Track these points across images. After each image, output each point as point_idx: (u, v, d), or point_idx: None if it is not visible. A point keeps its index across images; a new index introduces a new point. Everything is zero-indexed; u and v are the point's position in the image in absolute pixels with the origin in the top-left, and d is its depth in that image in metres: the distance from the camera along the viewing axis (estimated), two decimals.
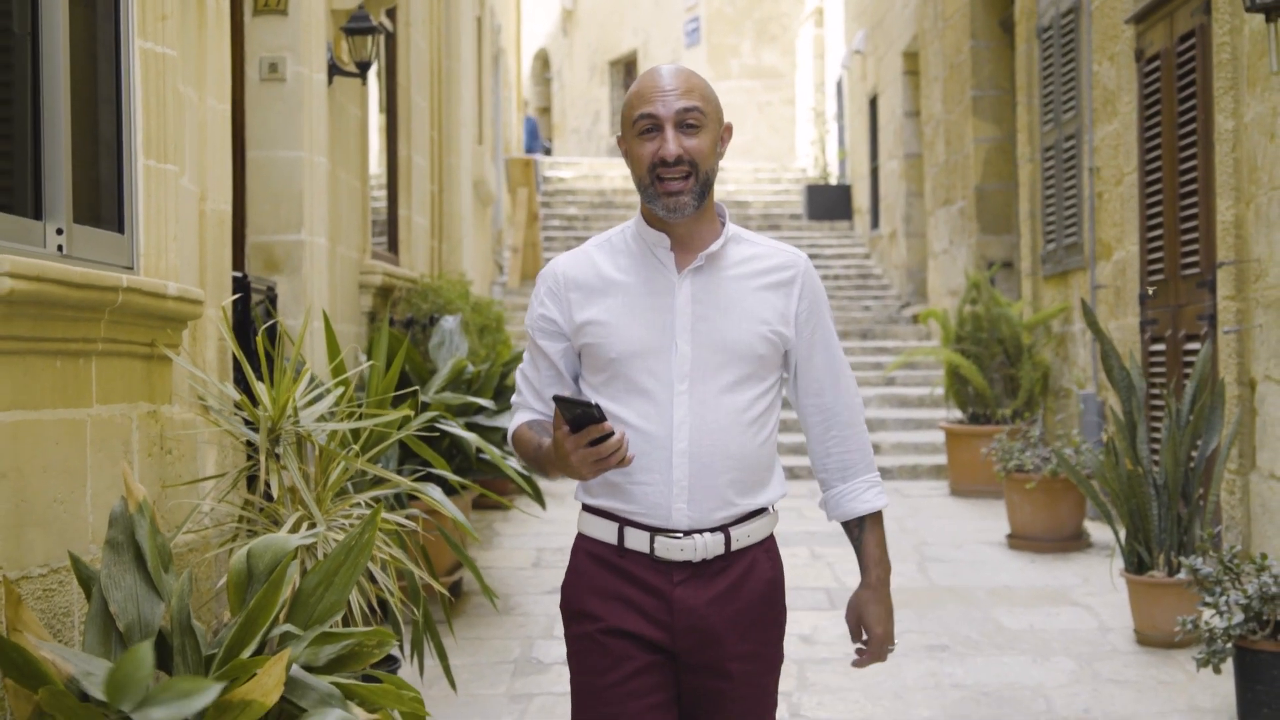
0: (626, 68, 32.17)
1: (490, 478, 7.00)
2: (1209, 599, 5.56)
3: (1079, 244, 9.75)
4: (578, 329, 2.95)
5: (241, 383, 5.21)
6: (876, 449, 11.53)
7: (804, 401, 3.08)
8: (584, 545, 3.02)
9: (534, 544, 8.58)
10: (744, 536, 2.95)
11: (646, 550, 2.91)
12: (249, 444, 5.38)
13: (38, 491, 3.76)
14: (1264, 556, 5.59)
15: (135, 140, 4.54)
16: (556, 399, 2.66)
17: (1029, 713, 5.71)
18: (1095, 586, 7.56)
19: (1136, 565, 6.66)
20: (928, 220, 14.79)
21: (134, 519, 3.79)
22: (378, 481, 5.28)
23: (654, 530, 2.91)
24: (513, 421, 3.09)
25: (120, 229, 4.48)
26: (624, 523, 2.93)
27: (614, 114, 32.35)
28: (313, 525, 4.41)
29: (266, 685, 3.29)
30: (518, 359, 8.18)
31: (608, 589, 2.95)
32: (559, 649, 6.48)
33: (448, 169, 10.93)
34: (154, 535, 3.80)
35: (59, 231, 4.05)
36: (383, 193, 9.24)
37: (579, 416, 2.66)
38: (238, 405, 4.68)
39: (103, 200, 4.45)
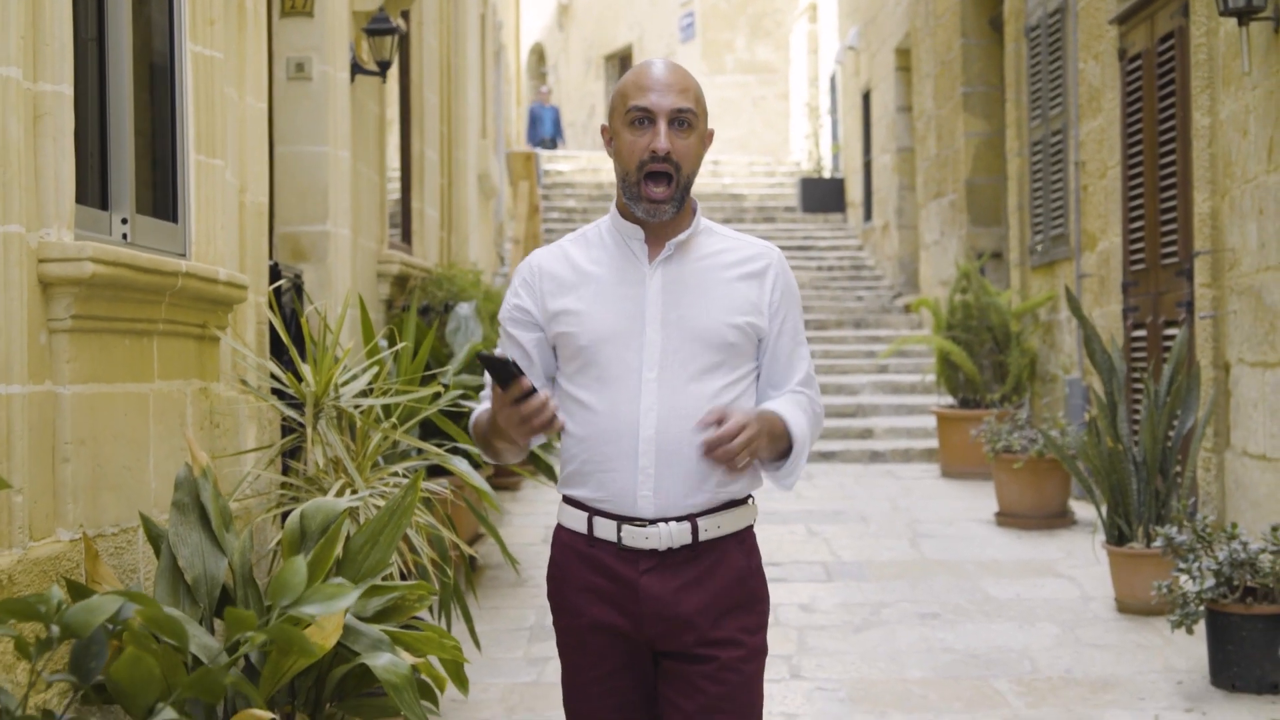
0: (622, 62, 32.50)
1: None
2: (1183, 565, 5.96)
3: (1065, 235, 10.13)
4: (551, 318, 2.96)
5: (282, 363, 5.57)
6: (869, 434, 11.92)
7: (762, 392, 3.04)
8: (560, 536, 3.04)
9: (544, 521, 8.95)
10: (713, 527, 2.93)
11: (614, 539, 2.91)
12: (284, 419, 5.77)
13: (110, 458, 4.12)
14: (1234, 526, 5.98)
15: (187, 137, 4.90)
16: (479, 356, 2.68)
17: (1015, 672, 6.10)
18: (1078, 559, 7.95)
19: (1117, 537, 7.05)
20: (919, 213, 15.16)
21: (198, 482, 4.17)
22: (405, 455, 5.66)
23: (620, 519, 2.90)
24: (475, 411, 3.10)
25: (174, 219, 4.84)
26: (593, 512, 2.94)
27: None
28: (354, 492, 4.79)
29: (327, 629, 3.67)
30: None
31: (581, 580, 2.96)
32: None
33: (456, 163, 11.31)
34: (216, 497, 4.18)
35: (124, 221, 4.42)
36: (397, 185, 9.60)
37: (498, 373, 2.65)
38: (281, 383, 5.05)
39: (158, 192, 4.82)
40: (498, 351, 2.85)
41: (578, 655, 3.00)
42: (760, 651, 3.00)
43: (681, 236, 2.94)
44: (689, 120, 2.89)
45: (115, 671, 2.59)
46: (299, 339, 6.06)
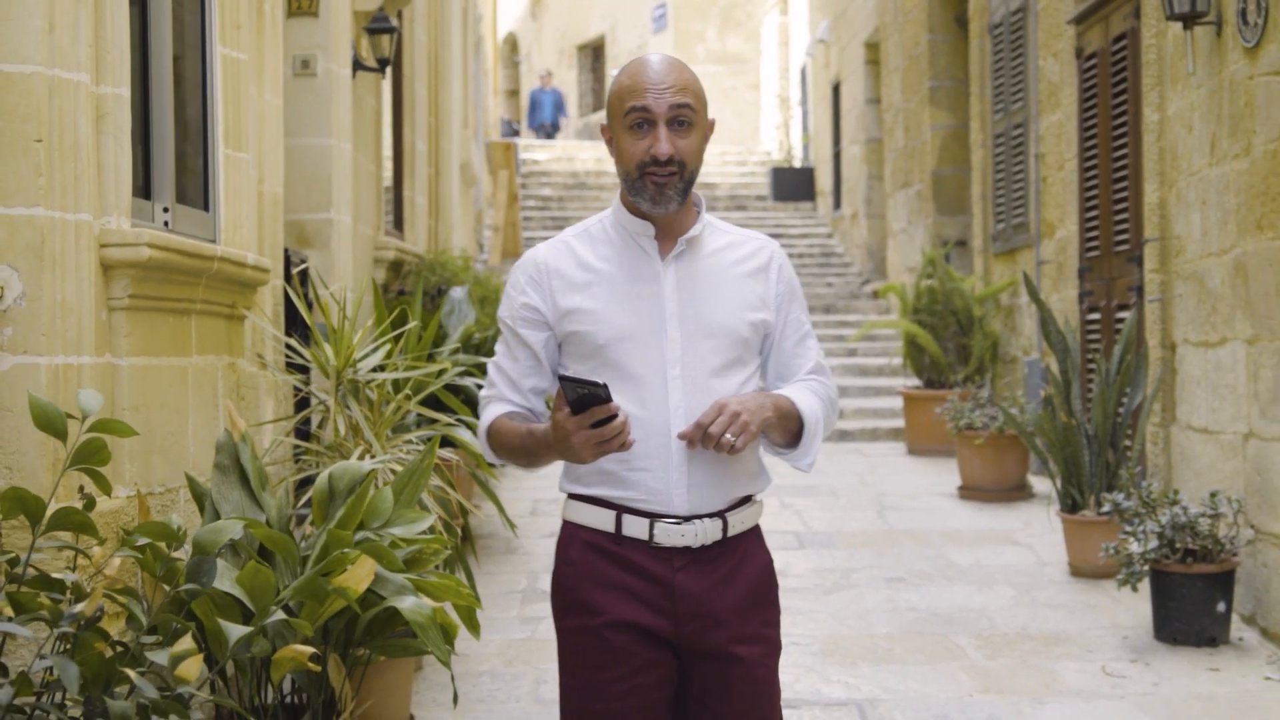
0: (594, 52, 32.92)
1: None
2: (1129, 529, 6.46)
3: (1026, 224, 10.63)
4: (562, 316, 2.91)
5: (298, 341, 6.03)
6: (840, 414, 12.40)
7: (770, 385, 3.08)
8: (577, 534, 2.96)
9: (530, 495, 9.42)
10: (739, 523, 2.94)
11: (645, 537, 2.87)
12: (298, 393, 6.23)
13: (157, 424, 4.57)
14: (1176, 492, 6.49)
15: (217, 132, 5.34)
16: (562, 378, 2.61)
17: (974, 629, 6.59)
18: (1035, 529, 8.46)
19: (1070, 506, 7.56)
20: (887, 202, 15.66)
21: (238, 446, 4.62)
22: (410, 426, 6.12)
23: (653, 516, 2.87)
24: (484, 415, 3.02)
25: (206, 208, 5.28)
26: (621, 510, 2.89)
27: (582, 97, 33.11)
28: (373, 457, 5.24)
29: (360, 575, 4.12)
30: None
31: (607, 579, 2.89)
32: None
33: (442, 153, 11.75)
34: (254, 459, 4.63)
35: (165, 210, 4.86)
36: (389, 174, 10.04)
37: (584, 397, 2.60)
38: (303, 358, 5.50)
39: (191, 183, 5.25)
40: (577, 373, 2.83)
41: (595, 655, 2.90)
42: (779, 647, 3.02)
43: (693, 232, 2.93)
44: (688, 118, 2.86)
45: (240, 580, 3.03)
46: (305, 322, 6.52)
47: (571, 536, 2.97)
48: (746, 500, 2.99)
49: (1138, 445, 7.48)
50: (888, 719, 5.45)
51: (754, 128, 26.68)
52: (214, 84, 5.33)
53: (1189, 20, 6.83)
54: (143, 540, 2.68)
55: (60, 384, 3.90)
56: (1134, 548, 6.37)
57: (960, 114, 13.17)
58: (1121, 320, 8.32)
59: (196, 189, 5.28)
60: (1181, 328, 7.37)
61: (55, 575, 2.43)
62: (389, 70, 9.66)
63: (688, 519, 2.87)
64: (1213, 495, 6.35)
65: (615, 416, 2.62)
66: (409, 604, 4.30)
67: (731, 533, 2.93)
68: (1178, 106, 7.35)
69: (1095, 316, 8.95)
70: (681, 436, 2.82)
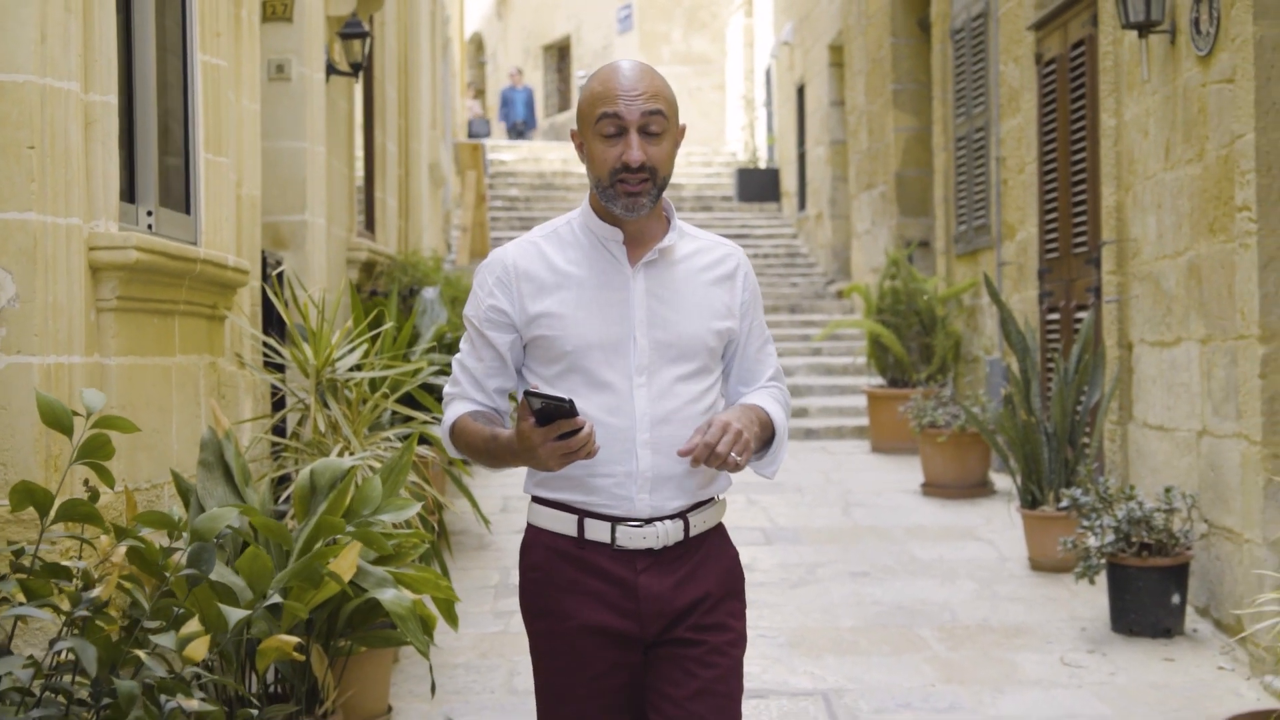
0: (560, 53, 33.03)
1: None
2: (1086, 524, 6.64)
3: (987, 225, 10.83)
4: (530, 320, 2.92)
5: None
6: (804, 413, 12.58)
7: (734, 390, 3.12)
8: (540, 539, 2.99)
9: (500, 493, 9.56)
10: (700, 523, 2.97)
11: (608, 540, 2.90)
12: (274, 392, 6.35)
13: (143, 422, 4.68)
14: (1132, 487, 6.69)
15: (197, 137, 5.46)
16: (528, 394, 2.65)
17: (937, 621, 6.77)
18: (997, 525, 8.65)
19: (1030, 502, 7.75)
20: (851, 203, 15.85)
21: (222, 443, 4.75)
22: (391, 422, 6.25)
23: (615, 520, 2.90)
24: (449, 412, 3.04)
25: (187, 211, 5.40)
26: (584, 514, 2.91)
27: (548, 98, 33.22)
28: (351, 454, 5.37)
29: (344, 566, 4.26)
30: None
31: (569, 582, 2.92)
32: None
33: (412, 154, 11.87)
34: (238, 456, 4.76)
35: (149, 213, 4.97)
36: (360, 176, 10.15)
37: (549, 411, 2.64)
38: (282, 358, 5.63)
39: (173, 187, 5.37)
40: (543, 388, 2.86)
41: (564, 659, 2.94)
42: (743, 638, 3.03)
43: (665, 242, 2.95)
44: (660, 125, 2.87)
45: (240, 565, 3.17)
46: (282, 322, 6.63)
47: (534, 540, 3.00)
48: (708, 501, 3.01)
49: (1096, 442, 7.68)
50: (853, 708, 5.61)
51: (719, 128, 26.86)
52: (194, 90, 5.45)
53: (1144, 29, 7.01)
54: (144, 530, 2.82)
55: (53, 383, 4.02)
56: (1091, 542, 6.55)
57: (923, 117, 13.37)
58: (1080, 320, 8.51)
59: (178, 192, 5.39)
60: (1138, 328, 7.56)
61: (66, 563, 2.56)
62: (360, 73, 9.78)
63: (649, 521, 2.90)
64: (1167, 491, 6.54)
65: (582, 429, 2.65)
66: (389, 596, 4.44)
67: (694, 533, 2.95)
68: (1134, 112, 7.54)
69: (1055, 317, 9.14)
70: (683, 454, 2.80)
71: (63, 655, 2.44)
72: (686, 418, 2.91)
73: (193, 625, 2.60)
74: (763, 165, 21.61)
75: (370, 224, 10.26)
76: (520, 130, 28.49)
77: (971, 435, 9.41)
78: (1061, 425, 7.67)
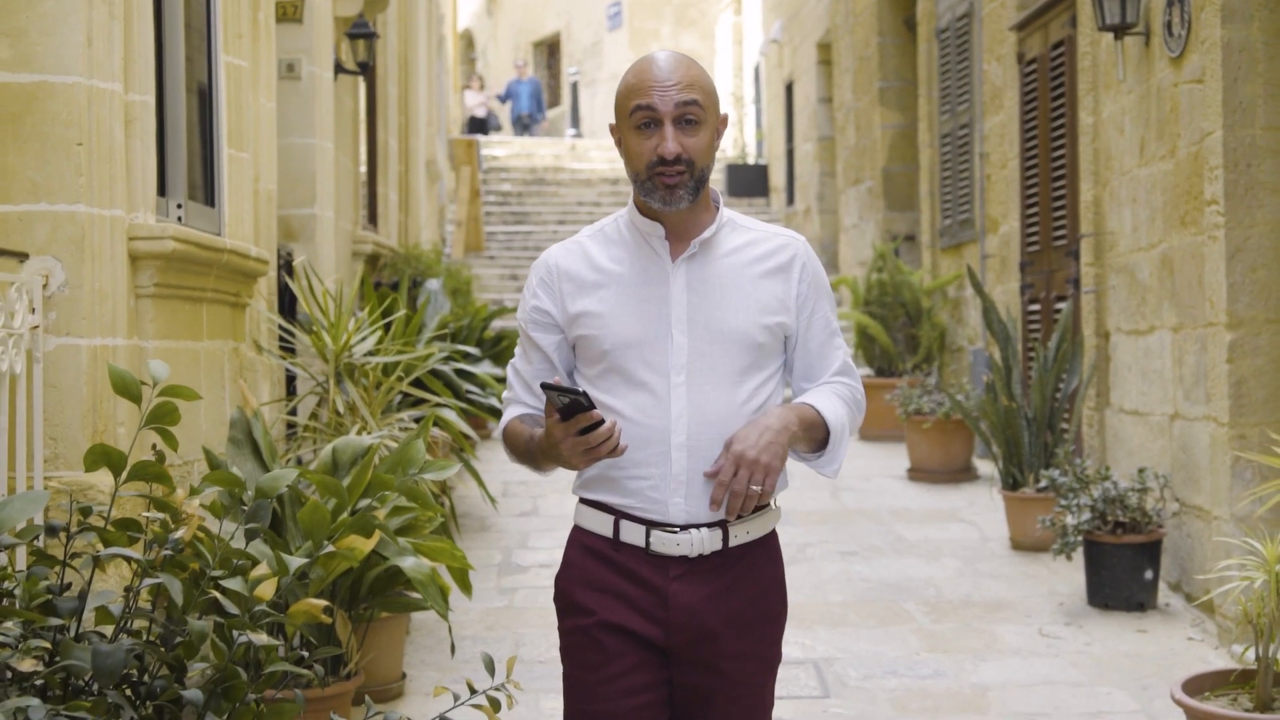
0: (550, 49, 33.35)
1: (472, 414, 8.30)
2: (1064, 503, 6.97)
3: (971, 219, 11.16)
4: (572, 320, 2.87)
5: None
6: None
7: (796, 385, 2.99)
8: (578, 538, 2.94)
9: (500, 478, 9.86)
10: (743, 533, 2.84)
11: (642, 544, 2.82)
12: (288, 377, 6.66)
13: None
14: (1107, 468, 7.02)
15: (221, 134, 5.77)
16: (544, 387, 2.61)
17: (921, 596, 7.09)
18: (979, 508, 8.98)
19: (1011, 484, 8.09)
20: (839, 198, 16.18)
21: (251, 421, 5.06)
22: (399, 405, 6.57)
23: (650, 524, 2.82)
24: (504, 417, 2.99)
25: (211, 204, 5.71)
26: (619, 516, 2.85)
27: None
28: (369, 433, 5.68)
29: (368, 538, 4.57)
30: (495, 314, 9.46)
31: (601, 582, 2.87)
32: (534, 556, 7.83)
33: (411, 151, 12.19)
34: (265, 434, 5.07)
35: (179, 206, 5.28)
36: (364, 171, 10.46)
37: (568, 405, 2.61)
38: (302, 344, 5.94)
39: (199, 181, 5.68)
40: (562, 380, 2.82)
41: (589, 654, 2.87)
42: (775, 661, 2.95)
43: (707, 234, 2.87)
44: (696, 115, 2.79)
45: (301, 516, 3.49)
46: (295, 309, 6.95)
47: (574, 539, 2.95)
48: (755, 509, 2.85)
49: (1075, 427, 8.02)
50: (842, 675, 5.94)
51: None
52: (218, 89, 5.76)
53: (1120, 31, 7.34)
54: (210, 489, 3.13)
55: (98, 363, 4.33)
56: (1069, 520, 6.88)
57: (909, 114, 13.69)
58: (1059, 310, 8.84)
59: (204, 186, 5.70)
60: (1114, 317, 7.89)
61: (144, 514, 2.87)
62: (367, 73, 10.09)
63: (684, 528, 2.80)
64: (1140, 471, 6.87)
65: (601, 423, 2.61)
66: (409, 563, 4.76)
67: (734, 543, 2.83)
68: (1110, 111, 7.86)
69: (1036, 308, 9.47)
70: (713, 506, 2.77)
71: (141, 597, 2.74)
72: (731, 419, 2.80)
73: (261, 569, 2.91)
74: (752, 161, 21.93)
75: (373, 218, 10.57)
76: (526, 124, 27.98)
77: (956, 422, 9.74)
78: (1041, 410, 8.00)
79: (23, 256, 4.19)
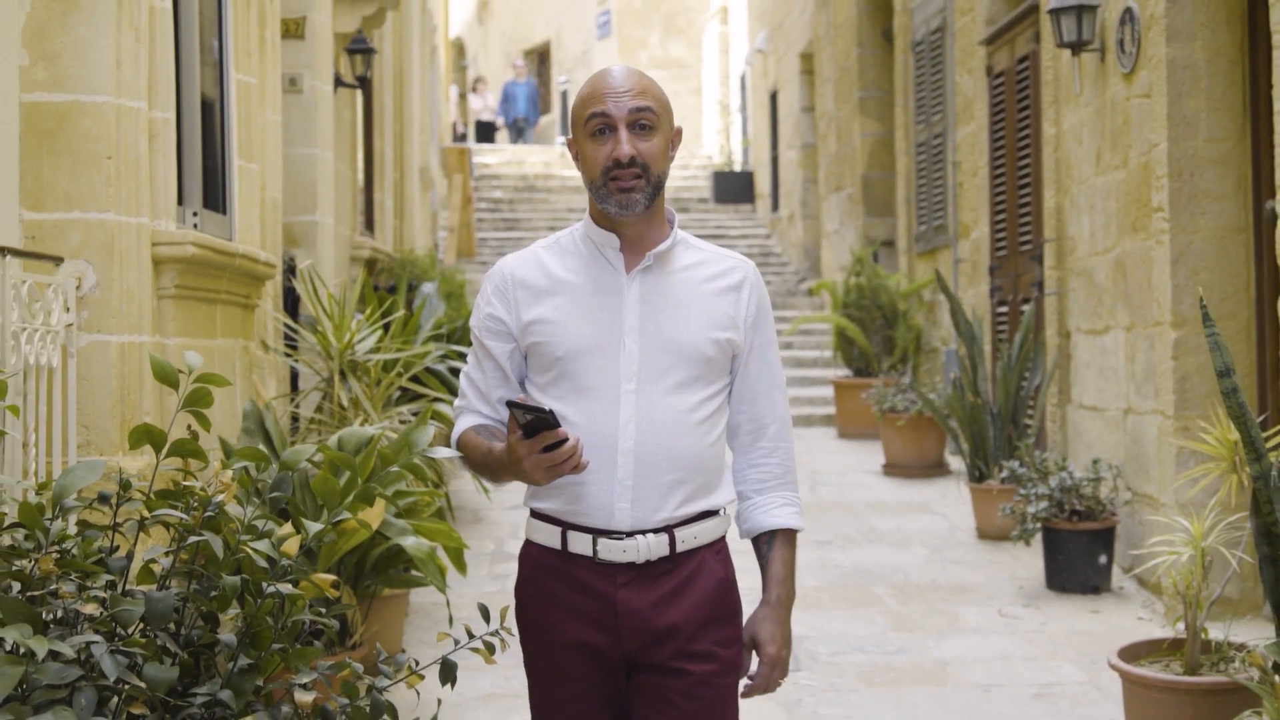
0: (540, 57, 33.74)
1: None
2: (1024, 492, 7.41)
3: (945, 225, 11.60)
4: (525, 328, 2.88)
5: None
6: None
7: (736, 408, 2.98)
8: (531, 552, 2.96)
9: None
10: (690, 538, 2.86)
11: (589, 553, 2.83)
12: (294, 373, 7.08)
13: None
14: (1065, 459, 7.46)
15: (232, 146, 6.18)
16: (510, 404, 2.62)
17: (891, 581, 7.52)
18: (949, 500, 9.42)
19: (978, 477, 8.53)
20: (821, 204, 16.61)
21: (263, 413, 5.47)
22: (397, 401, 6.99)
23: (596, 532, 2.83)
24: (457, 426, 2.99)
25: (223, 211, 6.12)
26: (567, 526, 2.85)
27: None
28: (371, 425, 6.09)
29: (373, 516, 4.99)
30: None
31: (554, 597, 2.87)
32: None
33: (405, 159, 12.61)
34: (276, 425, 5.48)
35: (194, 214, 5.69)
36: (361, 179, 10.88)
37: (532, 422, 2.60)
38: (308, 341, 6.35)
39: (211, 190, 6.09)
40: (528, 399, 2.78)
41: (549, 673, 2.90)
42: (734, 666, 2.92)
43: (662, 247, 2.90)
44: (649, 121, 2.82)
45: (315, 485, 3.92)
46: (296, 310, 7.38)
47: (526, 554, 2.98)
48: (702, 515, 2.89)
49: (1038, 422, 8.46)
50: (813, 651, 6.36)
51: (696, 132, 27.60)
52: (230, 104, 6.17)
53: (1077, 48, 7.78)
54: (239, 463, 3.55)
55: (126, 359, 4.74)
56: (1028, 509, 7.31)
57: (887, 123, 14.13)
58: (1024, 312, 9.27)
59: (216, 195, 6.11)
60: (1075, 318, 8.33)
61: (184, 484, 3.29)
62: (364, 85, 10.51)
63: (630, 534, 2.81)
64: (1095, 462, 7.31)
65: (565, 441, 2.62)
66: (410, 542, 5.18)
67: (681, 549, 2.85)
68: (1070, 122, 8.30)
69: (1004, 309, 9.91)
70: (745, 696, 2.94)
71: (181, 556, 3.16)
72: (678, 428, 2.83)
73: (286, 529, 3.32)
74: (738, 168, 22.34)
75: (370, 224, 10.99)
76: (521, 127, 27.86)
77: (928, 419, 10.17)
78: (1005, 406, 8.45)
79: (58, 260, 4.59)
